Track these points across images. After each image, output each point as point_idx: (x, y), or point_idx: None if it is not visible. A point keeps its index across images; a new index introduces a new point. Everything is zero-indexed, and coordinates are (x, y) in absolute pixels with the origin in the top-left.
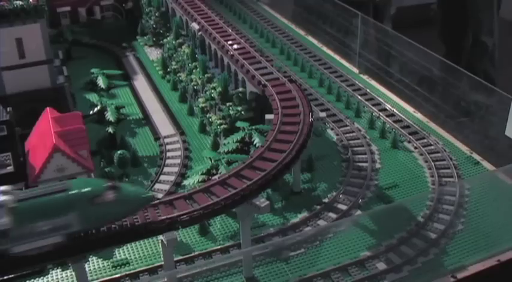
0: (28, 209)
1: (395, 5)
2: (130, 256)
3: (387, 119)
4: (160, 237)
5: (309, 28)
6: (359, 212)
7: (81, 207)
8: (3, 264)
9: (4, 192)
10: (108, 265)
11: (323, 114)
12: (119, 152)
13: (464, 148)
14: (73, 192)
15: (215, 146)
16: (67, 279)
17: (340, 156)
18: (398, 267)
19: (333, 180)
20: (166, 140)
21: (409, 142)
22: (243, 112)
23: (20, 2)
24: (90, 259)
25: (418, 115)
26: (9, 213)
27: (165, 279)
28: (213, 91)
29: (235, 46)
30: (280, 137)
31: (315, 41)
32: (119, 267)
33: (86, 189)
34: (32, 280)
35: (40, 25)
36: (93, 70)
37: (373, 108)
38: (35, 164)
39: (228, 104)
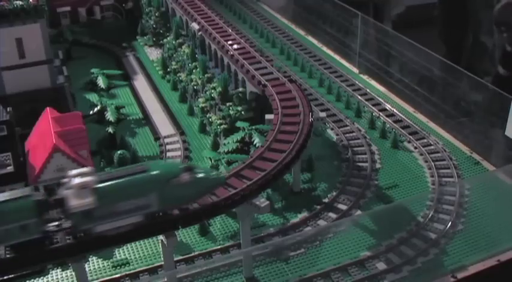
0: (110, 190)
1: (405, 4)
2: (130, 256)
3: (387, 119)
4: (160, 237)
5: (309, 28)
6: (359, 212)
7: (159, 188)
8: (86, 243)
9: (86, 174)
10: (108, 265)
11: (323, 114)
12: (118, 152)
13: (464, 148)
14: (153, 173)
15: (215, 146)
16: (67, 279)
17: (340, 156)
18: (398, 267)
19: (333, 180)
20: (166, 140)
21: (409, 142)
22: (243, 112)
23: (20, 2)
24: (90, 259)
25: (418, 115)
26: (93, 193)
27: (165, 279)
28: (213, 91)
29: (235, 46)
30: (280, 137)
31: (315, 41)
32: (118, 267)
33: (164, 171)
34: (32, 280)
35: (40, 25)
36: (93, 70)
37: (373, 108)
38: (35, 164)
39: (228, 104)
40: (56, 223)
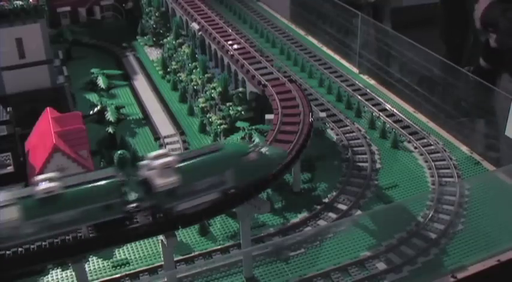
0: (192, 168)
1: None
2: (130, 256)
3: (387, 119)
4: (160, 237)
5: (309, 28)
6: (359, 212)
7: (234, 165)
8: (167, 222)
9: (165, 155)
10: (108, 265)
11: (323, 114)
12: (119, 152)
13: (464, 148)
14: (228, 151)
15: None
16: (67, 279)
17: (340, 156)
18: (398, 267)
19: (333, 180)
20: (166, 140)
21: (409, 142)
22: (243, 112)
23: (20, 2)
24: (90, 259)
25: (418, 115)
26: (176, 172)
27: (165, 279)
28: (213, 91)
29: (235, 46)
30: (280, 137)
31: (315, 41)
32: (118, 267)
33: (237, 149)
34: (32, 280)
35: (40, 25)
36: (93, 70)
37: (373, 108)
38: (35, 164)
39: (228, 104)
40: (138, 203)
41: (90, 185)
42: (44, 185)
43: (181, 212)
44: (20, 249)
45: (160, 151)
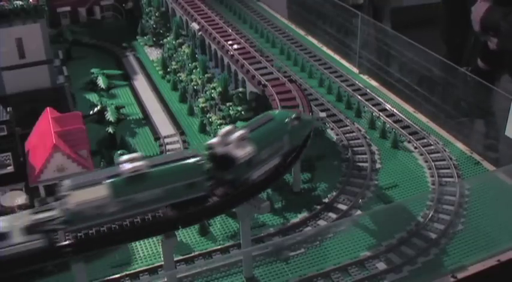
0: (261, 137)
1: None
2: (130, 256)
3: (387, 119)
4: (161, 237)
5: (309, 28)
6: (359, 212)
7: (288, 130)
8: (248, 191)
9: (233, 130)
10: (108, 265)
11: (323, 114)
12: (118, 152)
13: (464, 148)
14: (280, 118)
15: None
16: (66, 279)
17: (340, 156)
18: (398, 267)
19: (333, 180)
20: (166, 140)
21: (409, 142)
22: (243, 112)
23: (20, 2)
24: (90, 259)
25: (418, 115)
26: (251, 143)
27: (165, 279)
28: (213, 91)
29: (235, 46)
30: None
31: (315, 41)
32: (119, 267)
33: (286, 115)
34: (32, 280)
35: (40, 25)
36: (93, 70)
37: (373, 108)
38: (35, 164)
39: (228, 104)
40: (221, 178)
41: (174, 164)
42: (130, 165)
43: (255, 180)
44: (102, 228)
45: (228, 127)
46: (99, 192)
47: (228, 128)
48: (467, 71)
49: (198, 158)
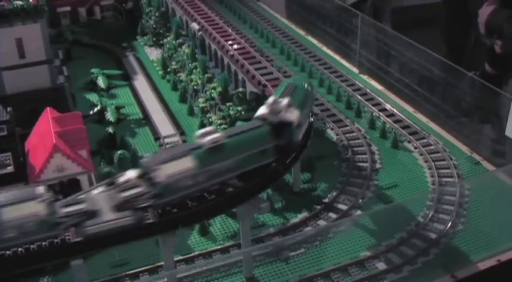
0: (301, 102)
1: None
2: (130, 256)
3: (387, 119)
4: (160, 237)
5: (309, 28)
6: (359, 212)
7: (310, 94)
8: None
9: (277, 100)
10: (108, 265)
11: (323, 114)
12: (119, 152)
13: (464, 148)
14: (301, 84)
15: None
16: (66, 279)
17: (340, 156)
18: (398, 267)
19: (333, 180)
20: (166, 140)
21: (409, 142)
22: (243, 112)
23: (20, 2)
24: (89, 259)
25: (418, 115)
26: (296, 108)
27: (165, 279)
28: (213, 91)
29: (235, 46)
30: None
31: (315, 41)
32: (119, 267)
33: (303, 81)
34: (32, 280)
35: (40, 25)
36: (93, 70)
37: (373, 108)
38: (35, 164)
39: (228, 104)
40: (284, 143)
41: (246, 133)
42: (209, 136)
43: (300, 142)
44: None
45: (271, 98)
46: (186, 164)
47: (271, 98)
48: (475, 76)
49: (265, 127)
